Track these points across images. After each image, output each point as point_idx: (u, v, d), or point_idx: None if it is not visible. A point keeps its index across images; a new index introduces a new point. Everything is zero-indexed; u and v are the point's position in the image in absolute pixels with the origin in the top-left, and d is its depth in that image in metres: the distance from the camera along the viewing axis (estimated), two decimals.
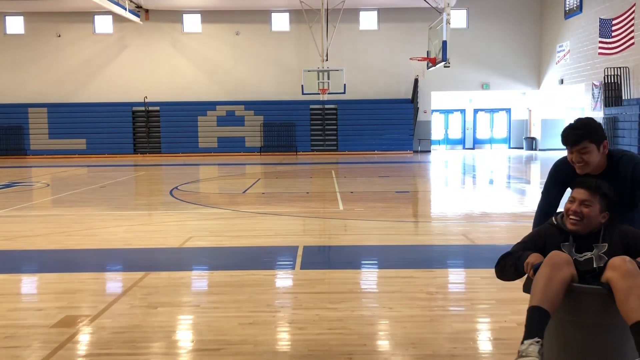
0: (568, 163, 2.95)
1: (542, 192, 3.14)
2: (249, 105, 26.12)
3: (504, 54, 26.28)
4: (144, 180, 15.38)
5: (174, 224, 8.07)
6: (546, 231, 2.90)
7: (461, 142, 28.93)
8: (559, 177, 3.03)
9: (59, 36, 26.13)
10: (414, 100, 26.22)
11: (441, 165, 19.57)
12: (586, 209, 2.73)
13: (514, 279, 2.92)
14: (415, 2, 23.38)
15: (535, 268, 2.66)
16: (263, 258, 5.94)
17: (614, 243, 2.70)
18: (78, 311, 4.17)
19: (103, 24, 26.23)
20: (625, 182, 2.84)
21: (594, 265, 2.68)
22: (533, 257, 2.75)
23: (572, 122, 2.93)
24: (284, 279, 5.11)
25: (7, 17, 26.22)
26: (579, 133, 2.79)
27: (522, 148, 27.61)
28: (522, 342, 2.54)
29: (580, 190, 2.76)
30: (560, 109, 26.36)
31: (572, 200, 2.79)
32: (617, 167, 2.84)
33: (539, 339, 2.51)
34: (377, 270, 5.54)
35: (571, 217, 2.76)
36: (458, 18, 25.85)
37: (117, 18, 25.15)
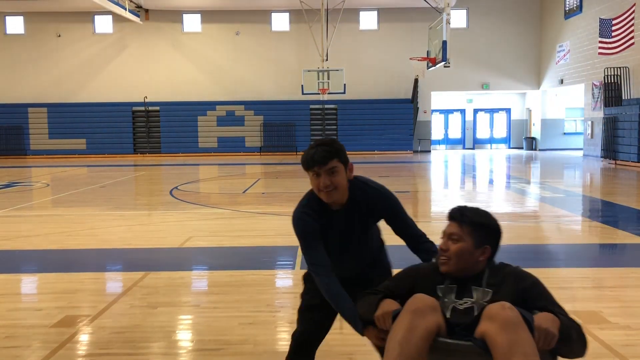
0: (309, 211, 2.49)
1: (306, 256, 2.51)
2: (249, 105, 26.12)
3: (504, 54, 26.28)
4: (144, 180, 15.38)
5: (174, 224, 8.07)
6: (418, 270, 2.31)
7: (461, 142, 28.93)
8: (314, 231, 2.48)
9: (59, 36, 26.12)
10: (414, 100, 26.21)
11: (441, 166, 19.57)
12: (454, 244, 2.16)
13: (362, 334, 2.33)
14: (415, 2, 23.37)
15: (394, 317, 2.06)
16: (263, 258, 5.94)
17: (505, 289, 2.10)
18: (78, 311, 4.17)
19: (103, 24, 26.22)
20: (371, 214, 2.54)
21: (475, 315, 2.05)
22: (388, 304, 2.15)
23: (312, 143, 2.51)
24: (284, 279, 5.11)
25: (7, 17, 26.21)
26: (327, 150, 2.38)
27: (522, 148, 27.61)
28: None
29: (449, 223, 2.24)
30: (560, 109, 26.38)
31: (442, 234, 2.24)
32: (364, 197, 2.49)
33: None
34: None
35: (440, 256, 2.21)
36: (458, 18, 25.84)
37: (117, 18, 25.14)
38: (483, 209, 2.27)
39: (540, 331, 1.88)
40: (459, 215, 2.20)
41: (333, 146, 2.41)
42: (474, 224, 2.17)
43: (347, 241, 2.59)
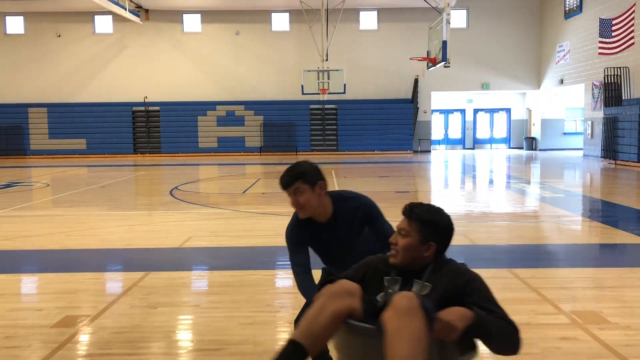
0: (299, 226, 2.88)
1: (291, 260, 2.93)
2: (249, 105, 26.12)
3: (504, 54, 26.28)
4: (144, 180, 15.38)
5: (174, 224, 8.07)
6: (371, 261, 2.44)
7: (461, 142, 28.93)
8: (298, 240, 2.90)
9: (59, 36, 26.13)
10: (414, 100, 26.21)
11: (441, 166, 19.57)
12: (402, 239, 2.27)
13: None
14: (415, 2, 23.38)
15: None
16: (263, 258, 5.94)
17: (442, 284, 2.20)
18: (78, 311, 4.17)
19: (103, 24, 26.22)
20: (355, 223, 2.85)
21: None
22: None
23: None
24: (284, 279, 5.11)
25: (7, 17, 26.22)
26: (290, 174, 2.76)
27: (522, 148, 27.61)
28: None
29: (402, 218, 2.35)
30: (560, 109, 26.38)
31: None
32: (343, 208, 2.83)
33: None
34: None
35: (391, 249, 2.33)
36: (458, 18, 25.85)
37: (117, 18, 25.15)
38: (437, 206, 2.35)
39: (440, 323, 1.97)
40: (409, 211, 2.31)
41: (296, 170, 2.76)
42: (422, 221, 2.27)
43: (340, 248, 2.91)
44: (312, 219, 2.84)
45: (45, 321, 3.93)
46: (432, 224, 2.28)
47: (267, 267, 5.55)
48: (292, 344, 2.11)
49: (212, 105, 26.17)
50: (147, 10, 25.81)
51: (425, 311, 1.97)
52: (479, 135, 28.90)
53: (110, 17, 25.73)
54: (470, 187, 13.75)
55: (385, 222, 2.89)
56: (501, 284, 4.69)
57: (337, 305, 2.10)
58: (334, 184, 12.94)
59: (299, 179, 2.74)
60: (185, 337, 3.73)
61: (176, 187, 12.62)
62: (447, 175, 16.74)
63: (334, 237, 2.89)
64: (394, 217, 7.11)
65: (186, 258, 6.04)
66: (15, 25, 26.31)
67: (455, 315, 2.01)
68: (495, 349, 2.08)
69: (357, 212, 2.86)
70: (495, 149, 28.53)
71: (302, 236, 2.87)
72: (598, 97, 20.49)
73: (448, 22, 17.68)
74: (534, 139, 26.81)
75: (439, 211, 2.33)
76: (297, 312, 4.06)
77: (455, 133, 28.98)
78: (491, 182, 14.73)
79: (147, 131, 26.36)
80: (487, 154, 24.93)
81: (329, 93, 22.58)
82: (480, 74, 26.25)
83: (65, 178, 15.92)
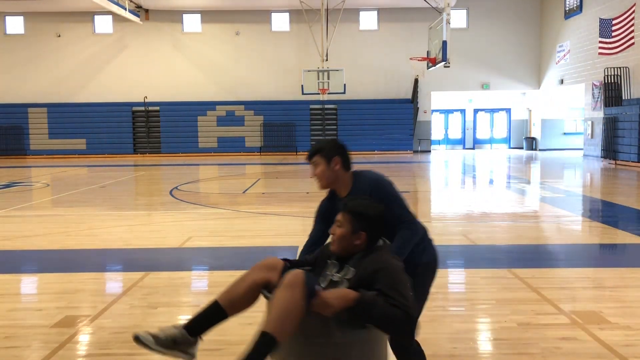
0: (328, 199, 3.11)
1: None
2: (249, 105, 26.12)
3: (504, 54, 26.28)
4: (144, 180, 15.38)
5: (174, 224, 8.06)
6: (325, 247, 2.75)
7: (461, 142, 28.93)
8: (320, 211, 3.15)
9: (59, 36, 26.12)
10: (414, 100, 26.21)
11: (441, 165, 19.57)
12: (338, 229, 2.55)
13: None
14: (415, 2, 23.37)
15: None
16: (263, 258, 5.93)
17: (361, 270, 2.43)
18: (78, 311, 4.17)
19: (103, 24, 26.22)
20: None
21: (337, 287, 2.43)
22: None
23: None
24: None
25: (7, 17, 26.21)
26: (312, 149, 3.05)
27: (522, 148, 27.61)
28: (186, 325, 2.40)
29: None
30: (560, 109, 26.38)
31: None
32: (359, 185, 3.02)
33: (190, 333, 2.42)
34: None
35: (331, 237, 2.61)
36: (458, 18, 25.84)
37: (117, 18, 25.14)
38: (370, 199, 2.59)
39: (317, 299, 2.21)
40: (343, 205, 2.59)
41: (317, 145, 3.01)
42: (352, 213, 2.53)
43: None
44: (335, 193, 3.05)
45: (45, 321, 3.93)
46: (362, 215, 2.51)
47: None
48: (214, 303, 2.42)
49: (212, 105, 26.17)
50: (147, 10, 25.80)
51: (307, 287, 2.21)
52: (479, 135, 28.89)
53: (110, 17, 25.73)
54: (471, 187, 13.75)
55: (396, 207, 2.87)
56: (501, 284, 4.69)
57: (255, 276, 2.46)
58: None
59: (317, 154, 2.99)
60: None
61: (176, 187, 12.62)
62: (447, 175, 16.74)
63: None
64: None
65: (186, 258, 6.04)
66: (15, 25, 26.31)
67: (335, 295, 2.24)
68: (384, 332, 2.29)
69: (367, 192, 2.95)
70: (495, 149, 28.53)
71: (324, 208, 3.06)
72: (598, 97, 20.49)
73: (448, 22, 17.68)
74: (534, 139, 26.81)
75: (370, 204, 2.57)
76: None
77: (455, 133, 28.98)
78: (491, 182, 14.73)
79: (147, 131, 26.35)
80: (487, 154, 24.92)
81: (328, 93, 22.59)
82: (480, 74, 26.25)
83: (65, 178, 15.92)
